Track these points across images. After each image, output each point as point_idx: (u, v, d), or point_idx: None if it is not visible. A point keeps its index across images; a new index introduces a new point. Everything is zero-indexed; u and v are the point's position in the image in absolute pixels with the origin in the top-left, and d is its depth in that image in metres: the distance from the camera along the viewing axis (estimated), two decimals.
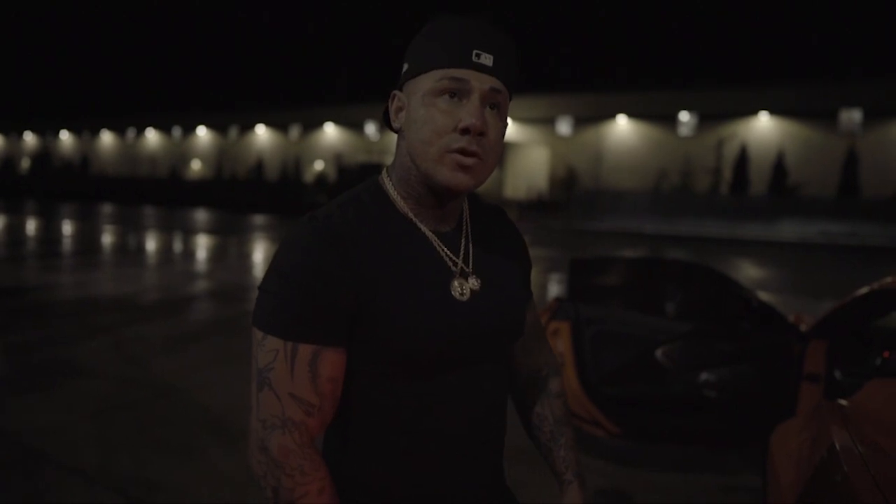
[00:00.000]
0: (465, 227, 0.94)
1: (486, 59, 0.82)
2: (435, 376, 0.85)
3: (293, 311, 0.79)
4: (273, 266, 0.82)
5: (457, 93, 0.81)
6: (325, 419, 0.83)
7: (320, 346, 0.80)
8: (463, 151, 0.81)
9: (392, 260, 0.84)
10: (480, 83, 0.82)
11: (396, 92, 0.88)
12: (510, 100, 0.87)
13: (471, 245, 0.93)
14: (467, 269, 0.91)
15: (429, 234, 0.89)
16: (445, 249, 0.89)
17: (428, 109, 0.82)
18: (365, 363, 0.84)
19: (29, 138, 69.63)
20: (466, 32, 0.83)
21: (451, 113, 0.81)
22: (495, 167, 0.86)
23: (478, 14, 0.86)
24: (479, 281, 0.91)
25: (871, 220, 23.85)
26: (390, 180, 0.91)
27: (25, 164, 64.48)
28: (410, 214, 0.88)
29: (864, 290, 2.53)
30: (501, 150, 0.87)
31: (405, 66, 0.87)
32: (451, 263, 0.89)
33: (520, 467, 2.18)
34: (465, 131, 0.81)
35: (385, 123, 0.94)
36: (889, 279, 2.44)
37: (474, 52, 0.81)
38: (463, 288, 0.88)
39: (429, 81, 0.82)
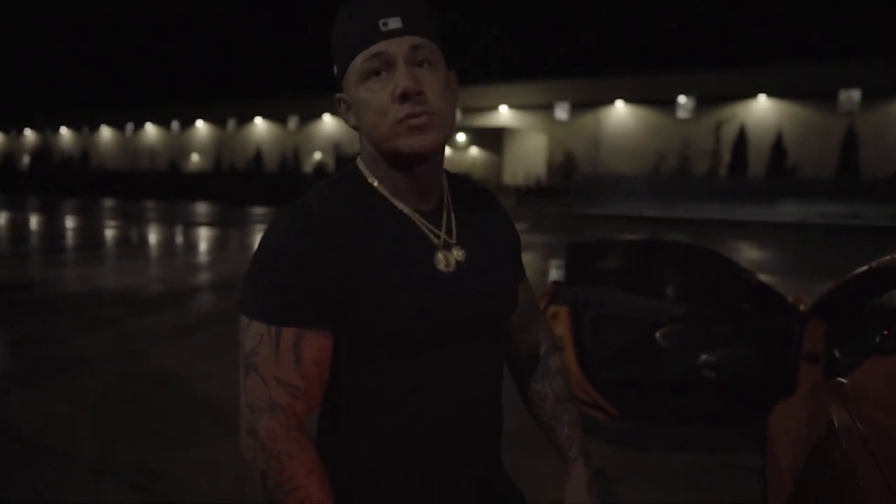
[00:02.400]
0: (446, 203, 0.94)
1: (395, 23, 0.82)
2: (420, 355, 0.85)
3: (275, 295, 0.80)
4: (259, 256, 0.83)
5: (381, 68, 0.82)
6: (312, 402, 0.84)
7: (303, 330, 0.81)
8: (410, 116, 0.82)
9: (374, 241, 0.84)
10: (399, 47, 0.82)
11: (338, 95, 0.90)
12: (444, 49, 0.87)
13: (453, 218, 0.92)
14: (451, 241, 0.90)
15: (409, 212, 0.88)
16: (427, 224, 0.89)
17: (363, 94, 0.83)
18: (349, 344, 0.85)
19: (29, 135, 69.53)
20: (366, 8, 0.83)
21: (385, 88, 0.82)
22: (454, 119, 0.86)
23: None
24: (463, 252, 0.90)
25: (870, 201, 23.83)
26: (365, 167, 0.91)
27: (26, 160, 64.44)
28: (388, 195, 0.88)
29: (862, 268, 2.52)
30: (454, 100, 0.87)
31: (335, 69, 0.88)
32: (433, 237, 0.89)
33: (516, 453, 2.19)
34: (402, 98, 0.81)
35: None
36: (888, 258, 2.43)
37: (380, 21, 0.82)
38: (448, 259, 0.88)
39: (354, 70, 0.84)
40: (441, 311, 0.85)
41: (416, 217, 0.89)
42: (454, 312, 0.86)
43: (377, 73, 0.82)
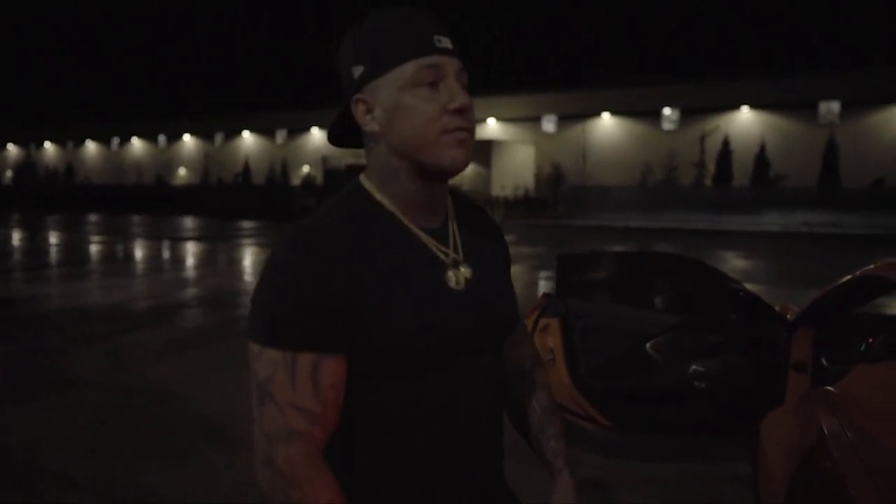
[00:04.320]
0: (451, 220, 0.95)
1: (447, 43, 0.86)
2: (422, 370, 0.85)
3: (287, 319, 0.79)
4: (263, 276, 0.82)
5: (435, 79, 0.84)
6: (329, 427, 0.83)
7: (320, 355, 0.80)
8: (460, 129, 0.84)
9: (378, 255, 0.84)
10: (451, 66, 0.85)
11: (360, 97, 0.87)
12: None
13: (459, 237, 0.94)
14: (459, 259, 0.91)
15: (417, 230, 0.89)
16: (435, 243, 0.90)
17: (410, 100, 0.83)
18: (351, 358, 0.84)
19: (12, 150, 68.70)
20: (421, 21, 0.85)
21: (434, 98, 0.83)
22: None
23: (409, 3, 0.89)
24: (470, 269, 0.92)
25: (851, 210, 24.21)
26: (372, 184, 0.91)
27: (9, 175, 63.71)
28: (398, 213, 0.89)
29: (847, 277, 2.57)
30: None
31: (359, 69, 0.86)
32: (442, 256, 0.89)
33: (517, 463, 2.19)
34: (459, 111, 0.83)
35: (335, 136, 0.93)
36: (871, 267, 2.47)
37: (435, 37, 0.85)
38: (458, 277, 0.89)
39: (404, 74, 0.83)
40: (445, 327, 0.85)
41: (423, 235, 0.89)
42: (458, 328, 0.87)
43: (431, 83, 0.84)
